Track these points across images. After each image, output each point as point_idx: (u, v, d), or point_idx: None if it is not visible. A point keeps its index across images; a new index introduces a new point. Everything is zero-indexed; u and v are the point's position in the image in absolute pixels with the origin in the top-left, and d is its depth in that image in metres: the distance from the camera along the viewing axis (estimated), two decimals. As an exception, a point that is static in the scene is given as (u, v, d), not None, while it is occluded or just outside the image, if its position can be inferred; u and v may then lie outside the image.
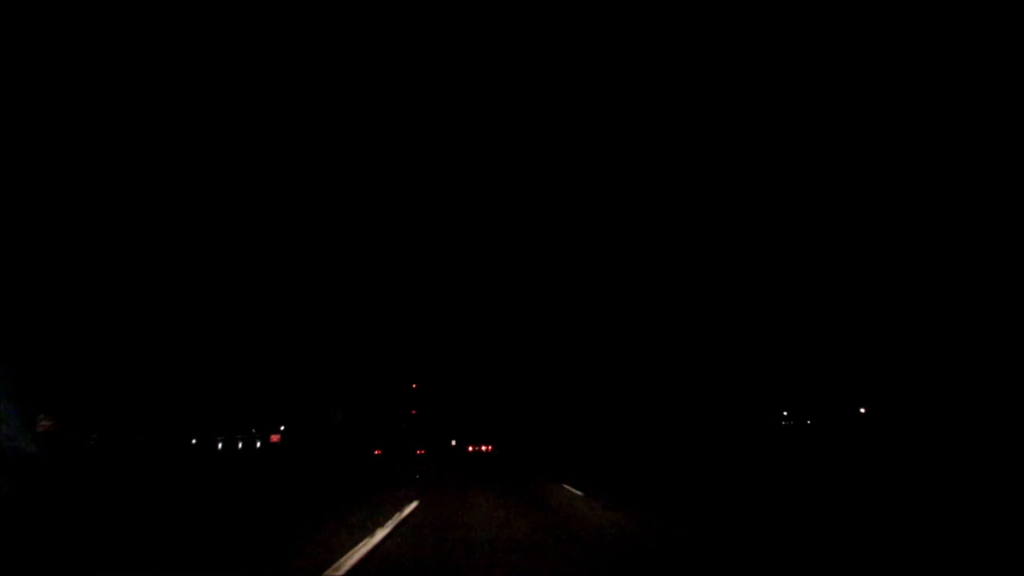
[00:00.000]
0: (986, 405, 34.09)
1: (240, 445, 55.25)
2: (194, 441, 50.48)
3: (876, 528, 8.29)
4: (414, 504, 11.45)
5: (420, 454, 50.55)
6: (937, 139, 38.70)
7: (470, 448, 60.41)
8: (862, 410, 45.48)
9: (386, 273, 71.24)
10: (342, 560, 6.24)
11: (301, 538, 7.65)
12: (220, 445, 52.83)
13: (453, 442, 65.35)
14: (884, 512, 9.74)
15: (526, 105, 61.02)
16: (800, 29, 41.46)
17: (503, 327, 75.65)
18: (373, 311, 67.55)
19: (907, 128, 39.83)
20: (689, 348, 56.81)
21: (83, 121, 49.07)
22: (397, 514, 9.95)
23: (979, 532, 7.78)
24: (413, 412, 68.18)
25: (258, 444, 57.29)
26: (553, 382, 69.90)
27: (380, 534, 7.86)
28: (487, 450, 57.76)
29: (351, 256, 68.87)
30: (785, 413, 54.64)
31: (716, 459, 29.57)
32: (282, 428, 55.12)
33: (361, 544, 7.08)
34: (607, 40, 50.50)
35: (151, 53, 47.06)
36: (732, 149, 51.63)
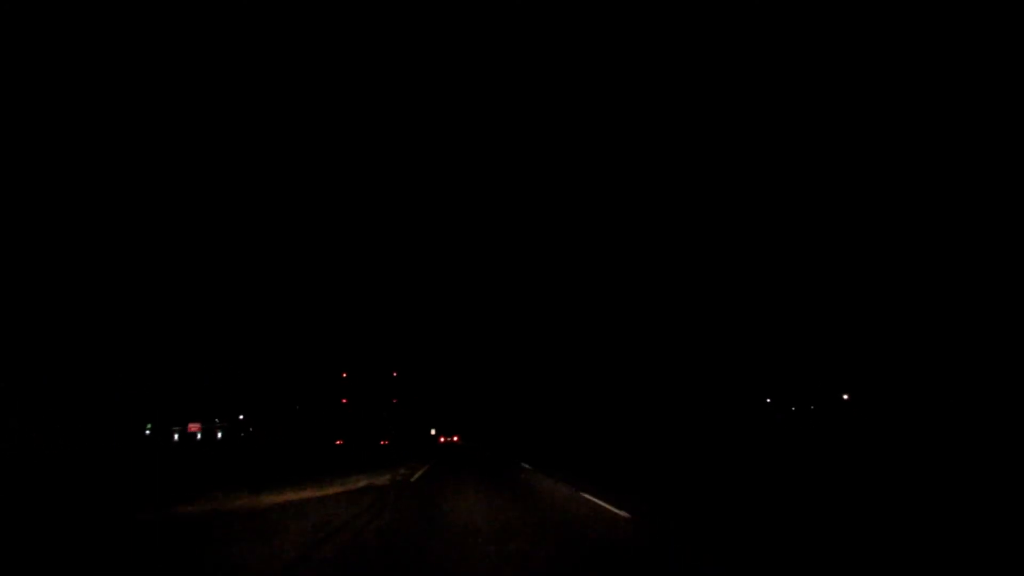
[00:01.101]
0: (967, 391, 33.35)
1: (198, 436, 52.98)
2: (148, 431, 48.09)
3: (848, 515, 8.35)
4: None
5: (383, 444, 48.23)
6: (907, 131, 37.54)
7: (442, 439, 59.80)
8: (845, 396, 44.71)
9: (365, 262, 69.59)
10: None
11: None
12: (176, 436, 50.46)
13: (433, 431, 63.96)
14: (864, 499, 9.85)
15: (523, 103, 60.22)
16: (800, 29, 41.09)
17: (473, 322, 74.15)
18: (349, 301, 65.73)
19: (882, 122, 38.68)
20: (666, 334, 54.90)
21: (80, 123, 47.86)
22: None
23: (961, 520, 7.78)
24: (394, 401, 66.81)
25: (219, 434, 54.95)
26: (520, 373, 68.86)
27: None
28: (456, 440, 58.01)
29: (329, 246, 67.45)
30: (768, 400, 53.08)
31: (688, 445, 28.77)
32: (240, 417, 52.78)
33: None
34: (607, 40, 50.02)
35: (151, 53, 46.22)
36: (712, 139, 50.00)
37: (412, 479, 15.90)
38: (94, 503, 10.68)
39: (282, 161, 63.71)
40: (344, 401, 61.38)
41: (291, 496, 11.61)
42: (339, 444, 47.21)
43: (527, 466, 20.51)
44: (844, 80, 40.70)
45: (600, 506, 9.77)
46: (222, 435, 54.76)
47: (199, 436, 52.46)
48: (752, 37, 43.09)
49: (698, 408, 49.01)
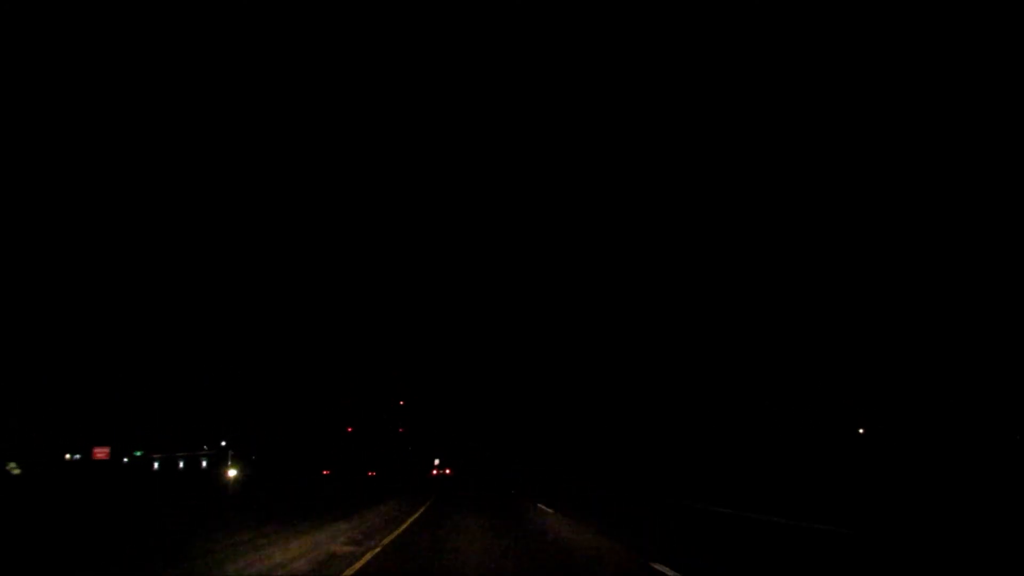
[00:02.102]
0: (990, 422, 31.42)
1: (181, 464, 50.45)
2: (125, 460, 45.82)
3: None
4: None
5: (370, 476, 45.86)
6: (949, 145, 35.83)
7: (434, 472, 57.47)
8: (861, 431, 42.50)
9: (370, 289, 68.22)
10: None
11: None
12: (156, 465, 48.05)
13: (437, 460, 61.75)
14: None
15: (525, 108, 59.68)
16: (800, 29, 39.67)
17: (480, 350, 72.05)
18: (354, 328, 64.06)
19: (920, 133, 37.05)
20: (673, 366, 52.41)
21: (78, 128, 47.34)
22: None
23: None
24: (401, 430, 64.99)
25: (203, 464, 52.39)
26: (533, 405, 66.71)
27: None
28: (448, 472, 55.95)
29: (333, 275, 66.42)
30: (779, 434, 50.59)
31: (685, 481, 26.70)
32: (223, 443, 50.47)
33: None
34: (607, 40, 49.33)
35: (151, 53, 45.97)
36: (738, 161, 48.41)
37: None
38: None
39: (289, 172, 62.92)
40: (349, 430, 59.78)
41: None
42: (326, 474, 45.04)
43: None
44: (847, 82, 39.26)
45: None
46: (206, 464, 52.42)
47: (181, 465, 49.86)
48: (752, 37, 41.90)
49: (716, 443, 46.48)
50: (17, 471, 32.80)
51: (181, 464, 51.40)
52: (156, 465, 48.44)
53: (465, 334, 72.74)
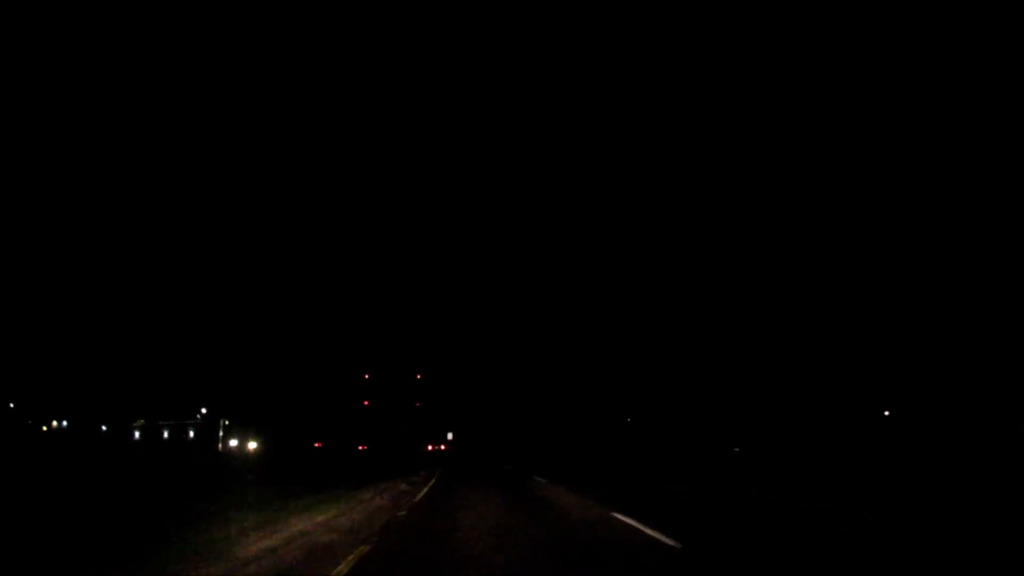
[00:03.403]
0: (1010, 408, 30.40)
1: (166, 434, 47.85)
2: (104, 428, 43.31)
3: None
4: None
5: (362, 450, 44.04)
6: (962, 134, 34.26)
7: (429, 447, 55.21)
8: (886, 413, 41.52)
9: (377, 260, 66.62)
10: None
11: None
12: (137, 434, 45.42)
13: (450, 435, 59.90)
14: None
15: (526, 104, 58.69)
16: (800, 29, 39.54)
17: (485, 329, 70.32)
18: (363, 300, 62.17)
19: (924, 126, 35.61)
20: (690, 349, 50.00)
21: (80, 123, 46.61)
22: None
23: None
24: (417, 404, 63.29)
25: (191, 434, 49.94)
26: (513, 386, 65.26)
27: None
28: (444, 448, 54.19)
29: (333, 247, 64.87)
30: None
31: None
32: (203, 411, 47.91)
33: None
34: (607, 40, 48.81)
35: (151, 53, 45.87)
36: (755, 153, 47.14)
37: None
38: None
39: (303, 149, 61.54)
40: (366, 403, 58.35)
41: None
42: (318, 447, 43.33)
43: None
44: (848, 82, 38.72)
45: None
46: (194, 434, 50.02)
47: (166, 435, 47.11)
48: (752, 37, 41.62)
49: (727, 430, 44.22)
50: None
51: (166, 434, 48.80)
52: (137, 435, 45.89)
53: (464, 329, 71.21)
